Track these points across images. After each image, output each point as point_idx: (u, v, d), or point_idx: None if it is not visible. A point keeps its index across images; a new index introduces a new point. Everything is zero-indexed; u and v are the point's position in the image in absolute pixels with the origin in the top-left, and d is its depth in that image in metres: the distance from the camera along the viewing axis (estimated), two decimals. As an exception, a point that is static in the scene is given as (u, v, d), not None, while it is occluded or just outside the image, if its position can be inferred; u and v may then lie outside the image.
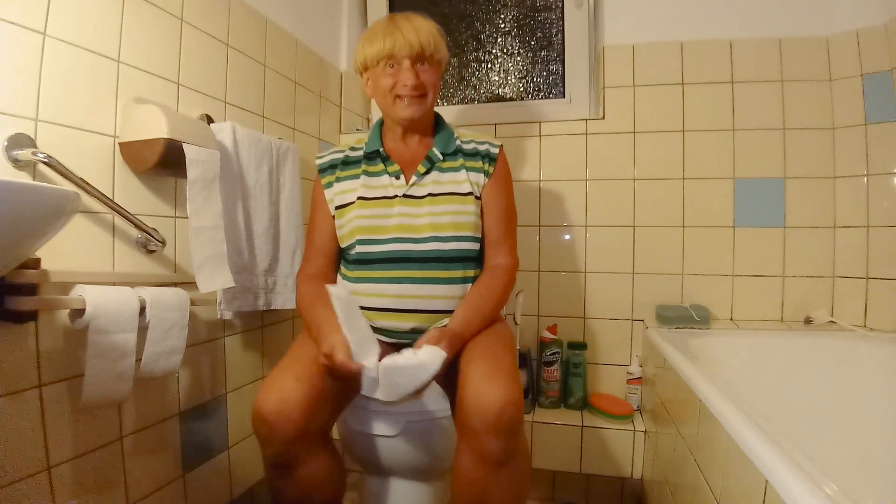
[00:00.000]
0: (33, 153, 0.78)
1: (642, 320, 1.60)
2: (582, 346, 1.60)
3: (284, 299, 1.31)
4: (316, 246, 1.13)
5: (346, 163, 1.14)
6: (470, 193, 1.08)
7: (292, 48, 1.50)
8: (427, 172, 1.10)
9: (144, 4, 1.00)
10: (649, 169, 1.61)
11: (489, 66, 1.87)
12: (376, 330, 1.02)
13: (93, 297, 0.81)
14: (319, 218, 1.14)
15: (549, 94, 1.82)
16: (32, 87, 0.81)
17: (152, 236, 0.98)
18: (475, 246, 1.08)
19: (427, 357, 0.84)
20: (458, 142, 1.13)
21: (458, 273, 1.06)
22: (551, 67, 1.81)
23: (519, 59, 1.85)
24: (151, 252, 1.02)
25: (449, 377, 0.94)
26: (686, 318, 1.46)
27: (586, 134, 1.65)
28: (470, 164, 1.11)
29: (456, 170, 1.10)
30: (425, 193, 1.08)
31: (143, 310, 0.89)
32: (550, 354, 1.59)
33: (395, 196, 1.08)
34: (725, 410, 0.79)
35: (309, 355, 0.95)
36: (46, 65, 0.82)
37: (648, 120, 1.61)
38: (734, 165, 1.55)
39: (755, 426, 0.71)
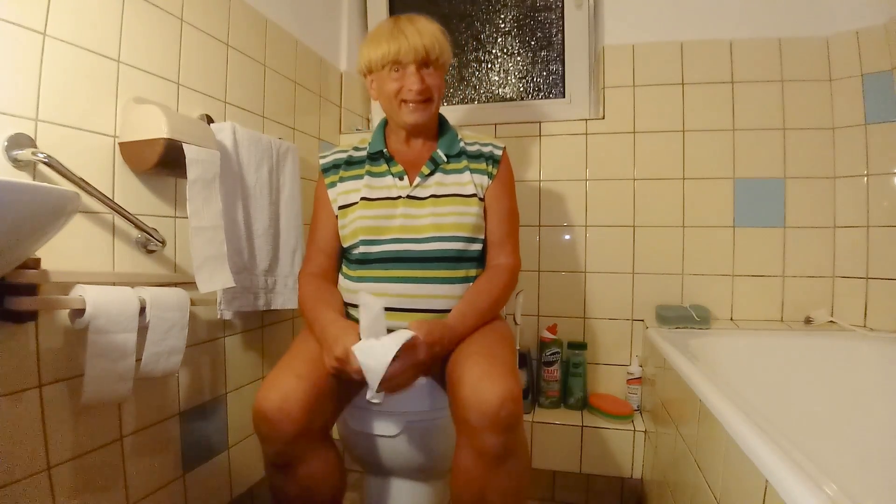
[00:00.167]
0: (33, 153, 0.78)
1: (642, 320, 1.60)
2: (582, 346, 1.60)
3: (284, 299, 1.31)
4: (318, 245, 1.14)
5: (350, 163, 1.14)
6: (474, 195, 1.08)
7: (292, 48, 1.50)
8: (431, 174, 1.10)
9: (144, 4, 1.00)
10: (649, 169, 1.61)
11: (489, 66, 1.87)
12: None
13: (93, 297, 0.81)
14: (322, 217, 1.14)
15: (549, 94, 1.82)
16: (32, 87, 0.81)
17: (152, 236, 0.98)
18: (477, 247, 1.09)
19: (392, 338, 0.83)
20: (461, 144, 1.14)
21: (460, 273, 1.06)
22: (551, 67, 1.81)
23: (519, 59, 1.85)
24: (151, 252, 1.02)
25: (442, 374, 0.95)
26: (686, 318, 1.46)
27: (586, 134, 1.65)
28: (474, 165, 1.11)
29: (460, 171, 1.10)
30: (428, 195, 1.08)
31: (143, 310, 0.89)
32: (550, 354, 1.59)
33: (399, 197, 1.08)
34: (725, 410, 0.79)
35: (310, 353, 0.95)
36: (46, 65, 0.82)
37: (648, 120, 1.61)
38: (734, 165, 1.55)
39: (755, 426, 0.71)
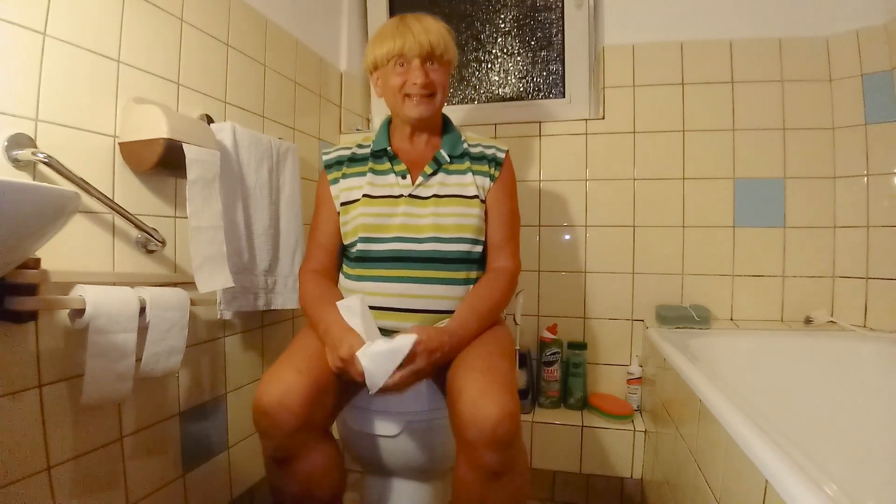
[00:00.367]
0: (33, 153, 0.78)
1: (642, 320, 1.60)
2: (582, 346, 1.60)
3: (284, 299, 1.31)
4: (319, 242, 1.14)
5: (353, 160, 1.15)
6: (475, 196, 1.08)
7: (292, 48, 1.50)
8: (434, 174, 1.10)
9: (144, 4, 1.00)
10: (649, 169, 1.61)
11: (489, 66, 1.87)
12: (380, 330, 1.02)
13: (93, 297, 0.81)
14: (324, 214, 1.14)
15: (549, 94, 1.82)
16: (32, 87, 0.81)
17: (152, 236, 0.98)
18: (478, 248, 1.09)
19: (397, 343, 0.85)
20: (465, 145, 1.14)
21: (461, 274, 1.06)
22: (551, 67, 1.81)
23: (519, 59, 1.84)
24: (151, 252, 1.02)
25: (443, 378, 0.95)
26: (686, 318, 1.46)
27: (586, 134, 1.65)
28: (476, 167, 1.11)
29: (462, 173, 1.11)
30: (430, 194, 1.08)
31: (143, 310, 0.89)
32: (550, 354, 1.59)
33: (401, 195, 1.08)
34: (725, 410, 0.79)
35: (311, 349, 0.96)
36: (46, 65, 0.82)
37: (648, 120, 1.61)
38: (734, 165, 1.55)
39: (755, 426, 0.71)
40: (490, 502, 0.84)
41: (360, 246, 1.07)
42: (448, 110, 1.83)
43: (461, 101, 1.90)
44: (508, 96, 1.86)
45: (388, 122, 1.17)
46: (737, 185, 1.55)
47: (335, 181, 1.14)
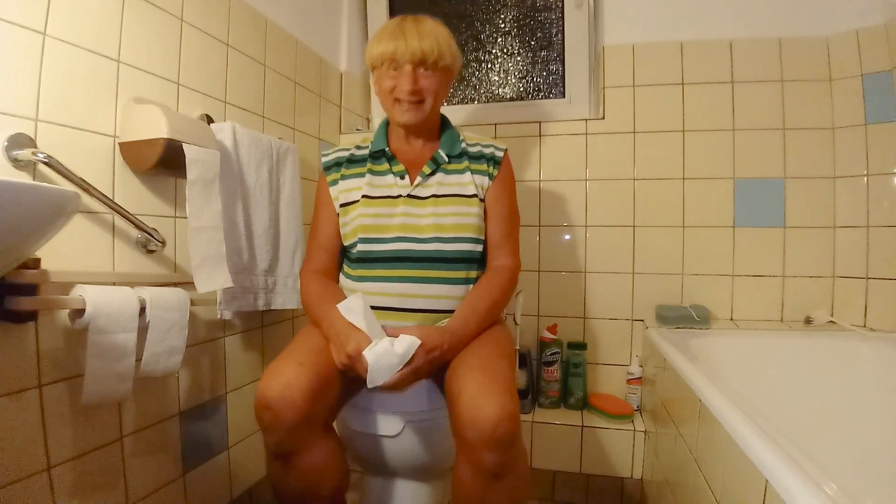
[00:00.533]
0: (33, 153, 0.78)
1: (642, 320, 1.60)
2: (582, 346, 1.59)
3: (284, 299, 1.31)
4: (320, 242, 1.14)
5: (352, 161, 1.15)
6: (474, 196, 1.08)
7: (292, 48, 1.50)
8: (432, 174, 1.10)
9: (144, 4, 1.00)
10: (649, 169, 1.61)
11: (489, 66, 1.87)
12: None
13: (93, 297, 0.81)
14: (324, 214, 1.14)
15: (549, 94, 1.81)
16: (32, 87, 0.81)
17: (152, 236, 0.98)
18: (478, 247, 1.09)
19: (400, 346, 0.87)
20: (463, 144, 1.14)
21: (461, 274, 1.06)
22: (551, 67, 1.81)
23: (519, 59, 1.84)
24: (151, 252, 1.02)
25: (443, 378, 0.95)
26: (686, 318, 1.46)
27: (586, 134, 1.65)
28: (475, 166, 1.11)
29: (461, 172, 1.10)
30: (429, 194, 1.08)
31: (143, 310, 0.89)
32: (550, 354, 1.59)
33: (399, 196, 1.08)
34: (725, 410, 0.79)
35: (313, 344, 0.96)
36: (46, 65, 0.82)
37: (648, 120, 1.61)
38: (734, 165, 1.55)
39: (755, 426, 0.71)
40: (490, 503, 0.84)
41: (360, 247, 1.07)
42: (448, 110, 1.84)
43: (461, 101, 1.90)
44: (508, 96, 1.86)
45: (387, 123, 1.17)
46: (737, 185, 1.55)
47: (334, 182, 1.14)
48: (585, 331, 1.65)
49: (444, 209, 1.07)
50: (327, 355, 0.93)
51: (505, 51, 1.85)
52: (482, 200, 1.10)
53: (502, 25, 1.85)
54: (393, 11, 1.88)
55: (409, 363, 0.88)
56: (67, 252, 0.85)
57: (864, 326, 1.43)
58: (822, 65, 1.50)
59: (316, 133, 1.64)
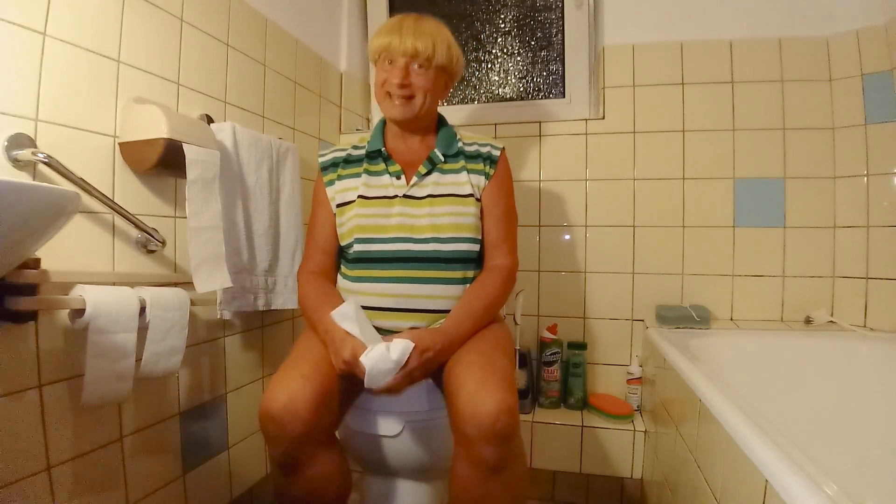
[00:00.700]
0: (33, 153, 0.78)
1: (642, 320, 1.60)
2: (582, 346, 1.59)
3: (284, 299, 1.31)
4: (317, 243, 1.14)
5: (348, 161, 1.15)
6: (470, 195, 1.08)
7: (292, 48, 1.50)
8: (428, 173, 1.10)
9: (144, 4, 1.00)
10: (649, 169, 1.61)
11: (489, 66, 1.87)
12: (377, 330, 1.02)
13: (93, 297, 0.81)
14: (321, 215, 1.14)
15: (549, 94, 1.81)
16: (32, 87, 0.81)
17: (152, 236, 0.98)
18: (475, 247, 1.08)
19: (395, 350, 0.87)
20: (459, 143, 1.14)
21: (458, 274, 1.06)
22: (551, 67, 1.81)
23: (519, 59, 1.84)
24: (151, 252, 1.02)
25: (442, 377, 0.95)
26: (686, 318, 1.46)
27: (586, 134, 1.65)
28: (471, 166, 1.11)
29: (457, 171, 1.10)
30: (425, 194, 1.08)
31: (143, 310, 0.89)
32: (550, 354, 1.59)
33: (396, 196, 1.08)
34: (725, 410, 0.79)
35: (315, 354, 0.96)
36: (46, 65, 0.82)
37: (648, 120, 1.61)
38: (734, 165, 1.55)
39: (755, 426, 0.71)
40: (489, 499, 0.84)
41: (357, 247, 1.07)
42: (448, 110, 1.84)
43: (461, 101, 1.90)
44: (508, 96, 1.86)
45: (384, 123, 1.17)
46: (737, 185, 1.55)
47: (331, 183, 1.14)
48: (585, 331, 1.65)
49: (440, 209, 1.07)
50: (329, 365, 0.93)
51: (505, 51, 1.85)
52: (479, 200, 1.09)
53: (502, 25, 1.85)
54: (393, 11, 1.88)
55: (403, 366, 0.88)
56: (67, 252, 0.85)
57: (864, 326, 1.43)
58: (822, 65, 1.50)
59: (316, 133, 1.64)
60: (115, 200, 0.93)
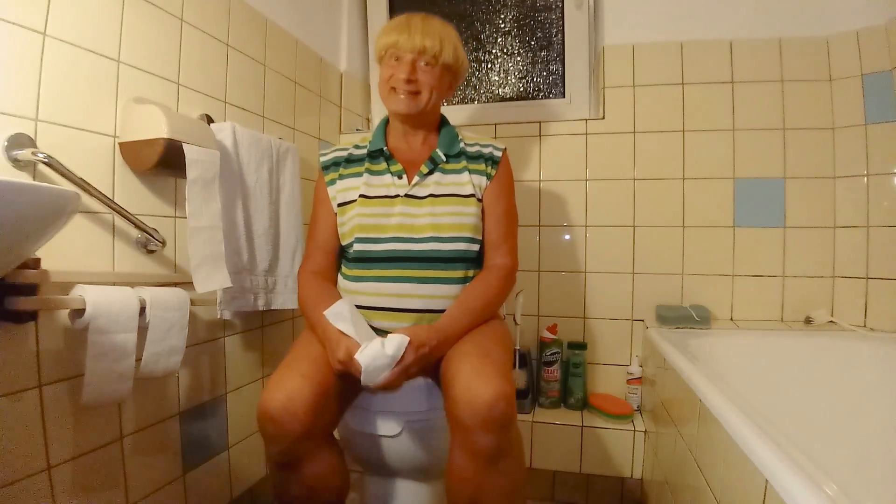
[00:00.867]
0: (33, 153, 0.78)
1: (642, 320, 1.60)
2: (582, 346, 1.59)
3: (284, 299, 1.31)
4: (318, 242, 1.14)
5: (350, 160, 1.15)
6: (472, 195, 1.08)
7: (292, 48, 1.50)
8: (430, 173, 1.10)
9: (144, 4, 1.00)
10: (649, 169, 1.61)
11: (489, 66, 1.87)
12: (375, 329, 1.03)
13: (93, 297, 0.81)
14: (322, 214, 1.14)
15: (549, 94, 1.81)
16: (32, 87, 0.81)
17: (152, 236, 0.98)
18: (474, 247, 1.09)
19: (390, 346, 0.87)
20: (461, 144, 1.14)
21: (458, 273, 1.06)
22: (551, 67, 1.81)
23: (519, 59, 1.84)
24: (151, 252, 1.02)
25: (437, 372, 0.95)
26: (686, 318, 1.46)
27: (586, 134, 1.65)
28: (473, 166, 1.11)
29: (458, 172, 1.10)
30: (427, 194, 1.08)
31: (143, 310, 0.89)
32: (550, 354, 1.59)
33: (397, 196, 1.08)
34: (725, 410, 0.79)
35: (314, 353, 0.96)
36: (46, 65, 0.82)
37: (648, 120, 1.61)
38: (734, 165, 1.55)
39: (755, 426, 0.71)
40: (485, 489, 0.83)
41: (357, 246, 1.07)
42: (448, 110, 1.84)
43: (461, 101, 1.90)
44: (508, 96, 1.86)
45: (385, 123, 1.17)
46: (737, 185, 1.55)
47: (332, 182, 1.14)
48: (585, 331, 1.65)
49: (441, 209, 1.07)
50: (328, 365, 0.93)
51: (505, 51, 1.85)
52: (480, 200, 1.10)
53: (502, 25, 1.85)
54: (393, 11, 1.88)
55: (399, 362, 0.88)
56: (67, 252, 0.85)
57: (864, 326, 1.43)
58: (822, 65, 1.50)
59: (316, 133, 1.64)
60: (115, 200, 0.93)
